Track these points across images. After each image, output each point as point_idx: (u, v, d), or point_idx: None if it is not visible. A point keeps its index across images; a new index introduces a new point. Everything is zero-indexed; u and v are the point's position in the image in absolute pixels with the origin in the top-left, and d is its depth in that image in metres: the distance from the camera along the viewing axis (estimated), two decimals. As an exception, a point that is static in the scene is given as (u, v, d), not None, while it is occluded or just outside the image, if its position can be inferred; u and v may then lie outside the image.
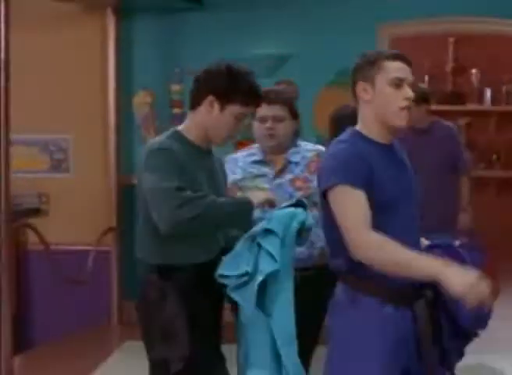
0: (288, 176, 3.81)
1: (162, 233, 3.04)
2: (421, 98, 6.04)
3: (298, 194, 3.68)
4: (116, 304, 7.00)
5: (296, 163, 3.82)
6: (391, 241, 2.74)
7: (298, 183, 3.79)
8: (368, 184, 2.82)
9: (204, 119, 3.16)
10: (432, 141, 6.13)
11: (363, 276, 2.86)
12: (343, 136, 3.02)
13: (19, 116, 5.98)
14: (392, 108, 2.93)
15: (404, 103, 2.92)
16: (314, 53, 6.85)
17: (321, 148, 3.89)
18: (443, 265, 2.67)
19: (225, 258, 3.09)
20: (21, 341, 6.36)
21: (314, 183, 3.35)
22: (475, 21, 6.90)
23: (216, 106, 3.12)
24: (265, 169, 3.83)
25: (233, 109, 3.11)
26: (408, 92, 2.95)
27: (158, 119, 7.04)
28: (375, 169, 2.87)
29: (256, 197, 3.24)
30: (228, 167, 3.74)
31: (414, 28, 7.00)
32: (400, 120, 2.94)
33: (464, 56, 8.64)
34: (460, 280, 2.58)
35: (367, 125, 3.00)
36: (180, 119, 6.85)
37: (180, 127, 3.24)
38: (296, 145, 3.88)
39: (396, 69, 2.95)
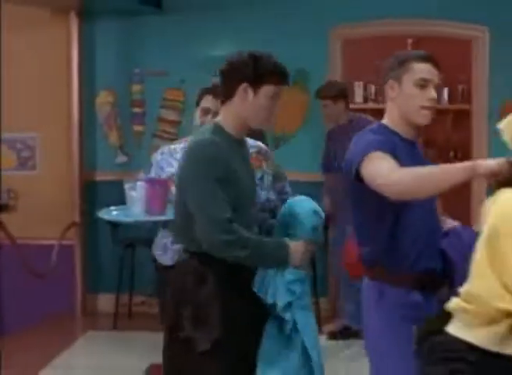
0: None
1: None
2: (339, 94, 6.19)
3: None
4: (80, 296, 7.16)
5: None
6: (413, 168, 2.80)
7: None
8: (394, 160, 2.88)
9: (241, 108, 3.12)
10: (352, 136, 6.22)
11: (389, 264, 2.94)
12: (371, 127, 3.14)
13: None
14: (414, 107, 2.99)
15: (427, 103, 2.98)
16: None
17: (262, 144, 3.71)
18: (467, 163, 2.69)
19: (257, 277, 3.09)
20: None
21: (260, 180, 3.54)
22: (427, 23, 7.08)
23: (250, 92, 3.08)
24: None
25: (267, 90, 3.08)
26: (432, 93, 3.01)
27: (119, 118, 7.19)
28: (399, 158, 2.89)
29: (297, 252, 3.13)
30: (164, 158, 3.80)
31: (365, 30, 7.12)
32: (422, 118, 3.02)
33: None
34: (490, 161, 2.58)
35: (393, 120, 3.08)
36: (141, 117, 7.17)
37: (218, 121, 3.19)
38: None
39: (422, 70, 3.03)
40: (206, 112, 3.84)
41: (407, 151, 2.98)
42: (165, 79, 7.08)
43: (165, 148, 3.89)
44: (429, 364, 2.49)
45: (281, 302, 3.05)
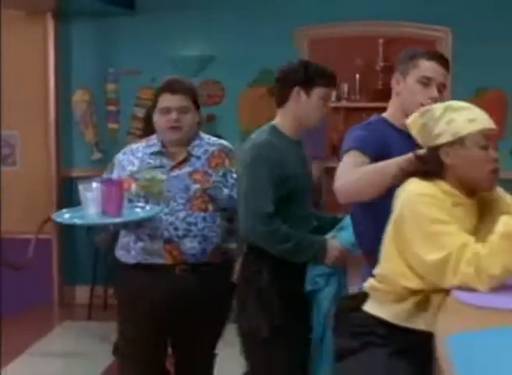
0: (187, 169, 3.59)
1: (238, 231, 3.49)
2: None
3: (195, 187, 3.54)
4: (57, 288, 7.35)
5: (198, 157, 3.61)
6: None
7: (197, 176, 3.57)
8: (379, 157, 2.89)
9: (296, 110, 3.42)
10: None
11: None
12: (366, 121, 3.25)
13: None
14: (414, 104, 2.99)
15: (427, 101, 2.97)
16: (237, 54, 7.11)
17: (225, 142, 3.75)
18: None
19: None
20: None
21: (214, 177, 3.56)
22: (393, 25, 7.21)
23: (303, 94, 3.39)
24: (164, 161, 3.60)
25: (318, 92, 3.39)
26: (433, 92, 3.05)
27: (95, 116, 7.33)
28: (390, 148, 2.95)
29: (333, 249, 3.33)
30: (125, 158, 3.68)
31: (330, 31, 7.24)
32: None
33: (393, 56, 8.78)
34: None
35: (393, 113, 3.17)
36: (115, 115, 7.35)
37: (275, 123, 3.48)
38: (198, 138, 3.69)
39: (427, 68, 3.06)
40: (166, 111, 3.56)
41: (402, 144, 2.98)
42: (138, 78, 7.19)
43: (127, 148, 3.76)
44: (344, 337, 2.70)
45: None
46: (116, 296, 3.90)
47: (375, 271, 2.64)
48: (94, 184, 3.39)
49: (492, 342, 1.90)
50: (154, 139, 3.69)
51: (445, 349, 1.86)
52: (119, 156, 3.75)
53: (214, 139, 3.75)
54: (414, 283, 2.49)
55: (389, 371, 2.54)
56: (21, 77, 7.31)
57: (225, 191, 3.60)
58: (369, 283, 2.66)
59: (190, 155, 3.62)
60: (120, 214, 3.41)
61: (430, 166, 2.57)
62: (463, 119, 2.54)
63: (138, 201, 3.57)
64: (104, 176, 3.71)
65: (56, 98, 7.33)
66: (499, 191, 2.71)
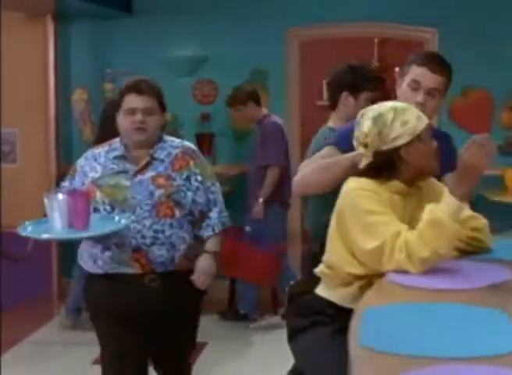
0: (150, 173, 3.48)
1: None
2: (247, 97, 6.55)
3: (158, 192, 3.45)
4: (56, 280, 7.57)
5: (161, 160, 3.50)
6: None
7: (160, 181, 3.46)
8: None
9: (345, 114, 3.71)
10: (257, 137, 6.62)
11: None
12: None
13: None
14: None
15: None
16: (230, 55, 7.32)
17: (189, 144, 3.67)
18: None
19: None
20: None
21: (178, 181, 3.48)
22: (382, 27, 7.37)
23: (351, 99, 3.72)
24: (127, 165, 3.49)
25: (365, 96, 3.67)
26: (418, 97, 3.15)
27: (93, 114, 7.48)
28: None
29: None
30: (87, 164, 3.54)
31: (320, 32, 7.40)
32: None
33: (387, 56, 8.95)
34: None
35: None
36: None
37: (330, 125, 3.80)
38: (162, 140, 3.58)
39: (417, 73, 3.19)
40: (132, 112, 3.43)
41: None
42: (134, 78, 7.38)
43: (89, 153, 3.61)
44: (296, 317, 2.94)
45: None
46: (87, 307, 3.81)
47: (324, 258, 2.87)
48: (60, 196, 3.23)
49: (400, 314, 2.15)
50: (116, 142, 3.58)
51: (358, 319, 2.09)
52: (81, 162, 3.60)
53: (177, 141, 3.64)
54: (357, 270, 2.71)
55: (332, 345, 2.75)
56: (22, 77, 7.49)
57: (189, 194, 3.53)
58: (319, 268, 2.90)
59: (152, 158, 3.50)
60: (87, 227, 3.23)
61: (383, 165, 2.76)
62: (413, 118, 2.73)
63: (104, 209, 3.46)
64: (67, 183, 3.60)
65: (56, 97, 7.53)
66: (433, 181, 2.94)
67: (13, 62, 7.39)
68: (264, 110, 6.69)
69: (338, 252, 2.77)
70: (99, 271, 3.54)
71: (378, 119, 2.74)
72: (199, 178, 3.56)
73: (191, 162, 3.56)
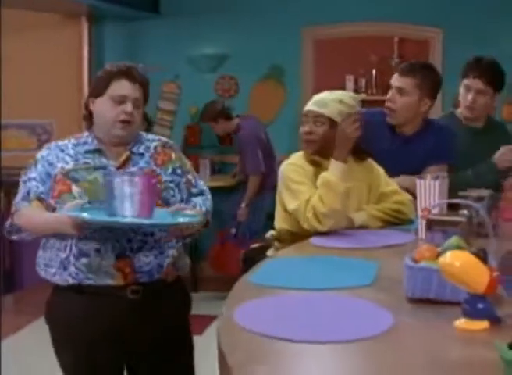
0: (131, 168, 2.97)
1: None
2: (216, 115, 7.05)
3: None
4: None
5: (141, 154, 3.03)
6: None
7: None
8: None
9: None
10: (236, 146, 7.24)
11: None
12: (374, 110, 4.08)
13: (13, 105, 7.14)
14: None
15: None
16: (249, 52, 7.79)
17: (164, 138, 3.17)
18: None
19: None
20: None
21: (164, 177, 3.01)
22: (390, 26, 7.79)
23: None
24: (104, 161, 2.96)
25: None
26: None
27: None
28: (371, 142, 3.56)
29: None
30: (52, 153, 3.00)
31: (333, 31, 7.86)
32: None
33: (408, 53, 9.14)
34: None
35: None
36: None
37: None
38: (138, 135, 3.08)
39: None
40: (121, 101, 2.92)
41: (387, 141, 3.88)
42: (162, 74, 7.86)
43: (52, 144, 3.08)
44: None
45: None
46: (51, 329, 3.04)
47: (274, 224, 3.50)
48: (137, 178, 2.70)
49: (290, 262, 2.77)
50: (84, 136, 3.06)
51: (259, 265, 2.72)
52: (42, 152, 3.04)
53: (152, 136, 3.16)
54: (289, 226, 3.35)
55: None
56: (59, 73, 7.98)
57: (177, 191, 3.05)
58: (269, 233, 3.51)
59: (131, 152, 3.01)
60: (151, 215, 2.72)
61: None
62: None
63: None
64: (28, 175, 3.00)
65: (89, 92, 8.07)
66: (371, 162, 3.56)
67: (51, 59, 7.91)
68: (236, 120, 7.16)
69: (279, 214, 3.43)
70: (70, 281, 2.88)
71: None
72: (179, 171, 3.07)
73: (173, 155, 3.10)
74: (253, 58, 7.83)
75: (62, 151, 3.01)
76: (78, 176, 2.91)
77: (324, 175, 3.24)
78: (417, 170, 3.74)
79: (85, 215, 2.66)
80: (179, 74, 8.02)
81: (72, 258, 2.86)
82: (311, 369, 1.61)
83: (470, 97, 4.08)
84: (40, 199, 2.94)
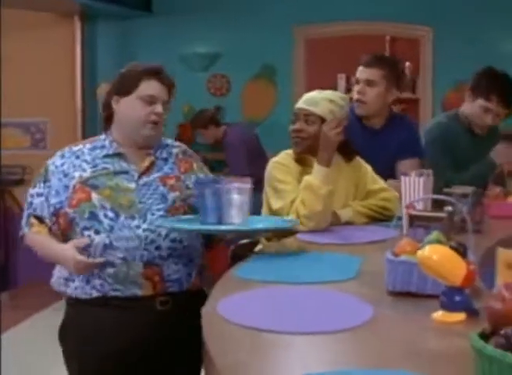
0: (156, 174, 2.88)
1: None
2: (207, 122, 7.24)
3: (173, 195, 2.86)
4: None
5: (164, 159, 2.93)
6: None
7: (170, 182, 2.88)
8: None
9: None
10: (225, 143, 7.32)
11: None
12: None
13: (6, 104, 7.17)
14: None
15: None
16: (241, 51, 7.86)
17: (183, 145, 3.10)
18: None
19: None
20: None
21: (187, 183, 2.92)
22: (382, 25, 7.90)
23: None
24: (125, 165, 2.84)
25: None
26: (487, 119, 4.24)
27: None
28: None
29: None
30: (67, 162, 2.87)
31: (325, 30, 7.94)
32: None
33: (399, 52, 9.10)
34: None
35: None
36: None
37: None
38: None
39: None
40: (151, 101, 2.85)
41: (364, 139, 3.92)
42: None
43: (66, 151, 2.95)
44: None
45: None
46: (62, 343, 2.92)
47: None
48: (248, 185, 2.75)
49: (277, 256, 2.85)
50: (101, 139, 2.96)
51: (249, 259, 2.79)
52: (55, 161, 2.92)
53: (170, 140, 3.08)
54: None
55: None
56: (52, 72, 8.03)
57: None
58: None
59: (155, 157, 2.92)
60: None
61: None
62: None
63: (104, 215, 2.76)
64: (37, 188, 2.91)
65: (82, 90, 8.09)
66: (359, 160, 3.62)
67: (44, 58, 7.97)
68: (224, 127, 7.31)
69: (265, 212, 3.44)
70: (94, 294, 2.77)
71: None
72: None
73: (194, 165, 3.02)
74: (245, 56, 7.90)
75: (78, 157, 2.88)
76: (98, 183, 2.79)
77: (307, 178, 3.28)
78: (388, 164, 3.91)
79: (195, 226, 2.70)
80: (172, 73, 7.87)
81: (96, 269, 2.73)
82: (293, 359, 1.67)
83: (489, 120, 4.24)
84: (41, 220, 2.87)
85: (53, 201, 2.83)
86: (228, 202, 2.69)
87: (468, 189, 3.31)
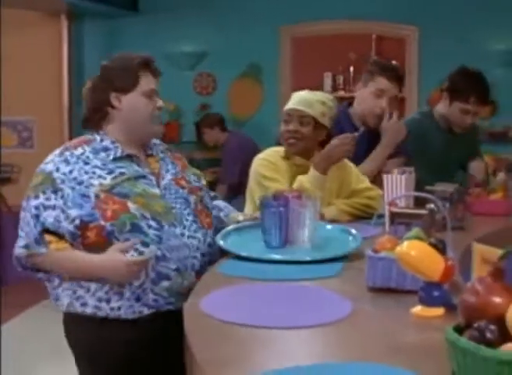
0: (168, 176, 2.75)
1: None
2: (212, 123, 7.37)
3: (192, 198, 2.75)
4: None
5: (162, 159, 2.81)
6: None
7: (183, 184, 2.76)
8: None
9: None
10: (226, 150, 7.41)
11: None
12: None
13: None
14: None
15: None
16: (227, 50, 7.92)
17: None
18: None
19: None
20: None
21: (194, 182, 2.84)
22: (368, 24, 7.97)
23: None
24: (136, 167, 2.68)
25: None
26: (382, 103, 3.88)
27: None
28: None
29: None
30: (77, 168, 2.58)
31: (311, 29, 8.00)
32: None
33: (385, 51, 9.29)
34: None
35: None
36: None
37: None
38: None
39: (381, 83, 3.90)
40: (151, 96, 2.73)
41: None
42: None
43: (67, 156, 2.64)
44: None
45: None
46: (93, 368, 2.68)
47: None
48: (311, 202, 2.69)
49: None
50: (98, 141, 2.71)
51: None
52: (60, 168, 2.61)
53: (157, 141, 2.92)
54: None
55: None
56: (39, 70, 8.10)
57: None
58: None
59: (160, 158, 2.81)
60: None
61: None
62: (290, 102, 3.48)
63: (148, 226, 2.56)
64: (40, 200, 2.56)
65: (69, 89, 8.18)
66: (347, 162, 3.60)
67: (31, 56, 8.04)
68: (227, 133, 7.41)
69: (248, 209, 3.45)
70: (145, 311, 2.58)
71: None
72: (197, 177, 2.92)
73: (185, 161, 2.95)
74: (231, 55, 7.97)
75: (87, 163, 2.61)
76: (126, 191, 2.58)
77: (301, 179, 3.30)
78: None
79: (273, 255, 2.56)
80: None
81: (149, 284, 2.55)
82: (274, 353, 1.69)
83: (469, 120, 4.19)
84: (57, 235, 2.56)
85: (74, 213, 2.52)
86: (298, 222, 2.61)
87: (450, 187, 3.34)
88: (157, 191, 2.65)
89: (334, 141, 3.32)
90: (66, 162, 2.61)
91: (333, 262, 2.54)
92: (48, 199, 2.55)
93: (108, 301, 2.55)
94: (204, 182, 2.91)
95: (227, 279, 2.34)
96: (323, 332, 1.82)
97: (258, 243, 2.68)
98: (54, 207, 2.54)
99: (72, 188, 2.54)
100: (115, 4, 7.81)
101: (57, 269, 2.58)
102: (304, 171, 3.39)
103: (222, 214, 2.98)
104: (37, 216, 2.56)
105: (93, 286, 2.56)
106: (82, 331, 2.64)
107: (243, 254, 2.53)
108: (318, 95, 3.48)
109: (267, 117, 7.81)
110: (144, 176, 2.65)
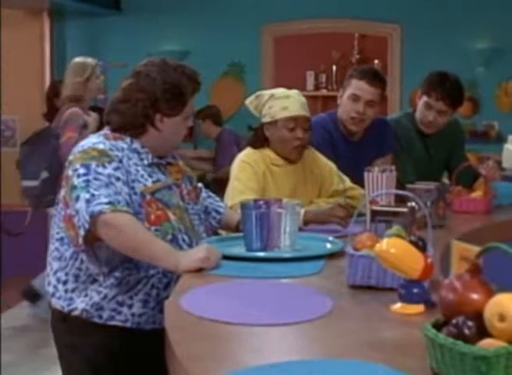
0: (182, 188, 2.68)
1: None
2: (205, 116, 7.43)
3: (201, 210, 2.78)
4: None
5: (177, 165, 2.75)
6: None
7: (192, 196, 2.74)
8: None
9: None
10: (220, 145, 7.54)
11: None
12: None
13: None
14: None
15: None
16: (209, 49, 7.94)
17: None
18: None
19: None
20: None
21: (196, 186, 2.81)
22: (350, 23, 7.96)
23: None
24: (165, 178, 2.59)
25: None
26: (359, 107, 3.79)
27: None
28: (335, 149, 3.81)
29: None
30: (126, 158, 2.50)
31: (293, 27, 8.03)
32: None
33: (367, 50, 9.44)
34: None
35: None
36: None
37: None
38: None
39: (357, 87, 3.79)
40: (190, 116, 2.72)
41: (345, 146, 3.87)
42: (124, 70, 7.94)
43: (113, 142, 2.52)
44: None
45: None
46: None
47: None
48: (298, 208, 2.70)
49: None
50: (127, 142, 2.56)
51: None
52: (114, 150, 2.50)
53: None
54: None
55: None
56: (21, 69, 8.06)
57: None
58: None
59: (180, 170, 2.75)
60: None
61: (257, 136, 3.46)
62: (279, 107, 3.38)
63: (182, 240, 2.56)
64: (107, 170, 2.41)
65: (51, 87, 8.10)
66: (321, 160, 3.62)
67: (13, 55, 7.94)
68: (220, 128, 7.49)
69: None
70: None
71: (258, 96, 3.45)
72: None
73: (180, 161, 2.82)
74: (213, 54, 7.97)
75: (130, 158, 2.52)
76: (166, 200, 2.52)
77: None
78: None
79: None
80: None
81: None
82: (253, 350, 1.71)
83: (431, 117, 4.10)
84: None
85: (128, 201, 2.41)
86: (278, 226, 2.58)
87: (431, 184, 3.36)
88: (182, 203, 2.58)
89: (331, 210, 3.15)
90: (116, 147, 2.49)
91: (314, 260, 2.56)
92: (114, 169, 2.42)
93: (130, 307, 2.51)
94: (196, 183, 2.84)
95: (208, 277, 2.35)
96: (303, 329, 1.84)
97: (240, 246, 2.67)
98: (119, 179, 2.43)
99: (123, 174, 2.45)
100: (98, 3, 7.81)
101: (127, 241, 2.34)
102: (289, 173, 3.45)
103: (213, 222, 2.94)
104: (117, 178, 2.42)
105: (110, 294, 2.48)
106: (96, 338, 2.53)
107: (225, 252, 2.50)
108: (301, 94, 3.47)
109: (248, 117, 7.76)
110: (170, 187, 2.57)
